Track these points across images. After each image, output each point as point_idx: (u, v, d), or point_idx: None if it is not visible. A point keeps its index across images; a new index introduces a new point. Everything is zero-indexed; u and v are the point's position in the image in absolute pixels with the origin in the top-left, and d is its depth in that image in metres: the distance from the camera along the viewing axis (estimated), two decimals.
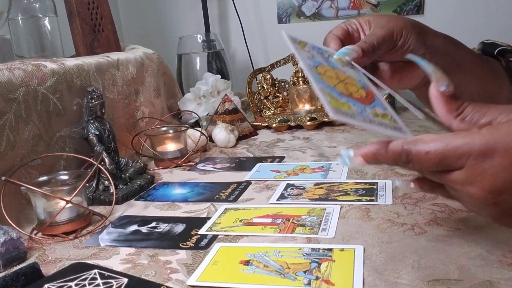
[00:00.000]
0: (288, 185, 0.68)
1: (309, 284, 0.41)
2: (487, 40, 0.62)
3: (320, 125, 1.04)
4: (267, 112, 1.17)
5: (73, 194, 0.57)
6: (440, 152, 0.32)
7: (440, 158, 0.32)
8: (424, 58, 0.50)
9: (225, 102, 1.01)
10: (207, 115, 1.07)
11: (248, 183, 0.71)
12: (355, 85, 0.41)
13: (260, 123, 1.08)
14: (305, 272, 0.43)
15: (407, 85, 0.53)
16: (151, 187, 0.74)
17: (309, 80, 0.38)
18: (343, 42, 0.49)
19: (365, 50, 0.45)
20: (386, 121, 0.37)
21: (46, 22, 0.86)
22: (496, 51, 0.59)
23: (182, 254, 0.50)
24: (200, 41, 1.26)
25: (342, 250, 0.46)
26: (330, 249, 0.47)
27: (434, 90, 0.35)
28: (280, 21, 1.40)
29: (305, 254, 0.46)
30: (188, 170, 0.82)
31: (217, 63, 1.25)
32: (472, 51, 0.57)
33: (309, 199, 0.62)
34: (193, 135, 0.91)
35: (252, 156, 0.87)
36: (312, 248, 0.47)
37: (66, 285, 0.44)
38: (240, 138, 0.99)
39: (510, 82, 0.58)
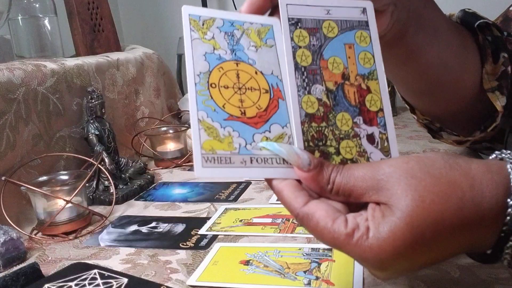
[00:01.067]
0: None
1: (309, 284, 0.41)
2: (469, 9, 0.57)
3: None
4: None
5: (73, 194, 0.57)
6: (332, 243, 0.30)
7: (332, 245, 0.30)
8: (384, 9, 0.41)
9: None
10: None
11: (248, 183, 0.71)
12: (257, 88, 0.34)
13: None
14: (305, 272, 0.43)
15: None
16: (151, 187, 0.74)
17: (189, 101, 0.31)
18: None
19: None
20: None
21: (46, 22, 0.86)
22: (477, 24, 0.53)
23: (182, 254, 0.50)
24: None
25: None
26: (330, 249, 0.46)
27: (300, 173, 0.31)
28: None
29: (305, 254, 0.46)
30: (188, 170, 0.82)
31: None
32: (448, 18, 0.52)
33: None
34: None
35: None
36: (312, 248, 0.47)
37: (66, 285, 0.44)
38: None
39: (481, 60, 0.53)
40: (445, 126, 0.61)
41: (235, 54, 0.35)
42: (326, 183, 0.31)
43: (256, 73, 0.35)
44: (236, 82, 0.33)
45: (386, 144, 0.36)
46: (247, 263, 0.46)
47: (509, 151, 0.31)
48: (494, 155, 0.32)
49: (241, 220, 0.57)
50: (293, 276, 0.42)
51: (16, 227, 0.56)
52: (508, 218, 0.28)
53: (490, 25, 0.54)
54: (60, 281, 0.45)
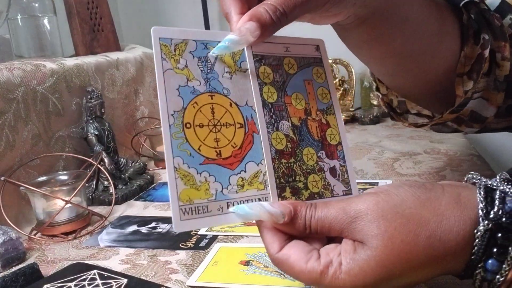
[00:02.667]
0: None
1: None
2: None
3: None
4: None
5: (73, 194, 0.57)
6: (309, 282, 0.32)
7: (309, 283, 0.32)
8: (341, 11, 0.38)
9: None
10: None
11: None
12: (232, 123, 0.34)
13: None
14: None
15: (321, 23, 0.41)
16: (150, 187, 0.74)
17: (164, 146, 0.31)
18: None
19: (267, 24, 0.33)
20: (252, 191, 0.33)
21: (46, 21, 0.86)
22: (463, 2, 0.48)
23: (181, 254, 0.50)
24: None
25: None
26: None
27: (277, 226, 0.33)
28: None
29: None
30: None
31: None
32: (428, 2, 0.47)
33: None
34: None
35: None
36: None
37: (65, 285, 0.44)
38: None
39: (463, 40, 0.49)
40: (413, 103, 0.58)
41: (209, 84, 0.34)
42: (303, 229, 0.33)
43: (230, 105, 0.34)
44: (211, 119, 0.33)
45: (346, 176, 0.38)
46: (247, 263, 0.45)
47: (480, 176, 0.33)
48: (468, 176, 0.34)
49: None
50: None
51: (15, 228, 0.56)
52: (476, 248, 0.30)
53: (477, 3, 0.49)
54: (60, 281, 0.45)
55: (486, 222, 0.30)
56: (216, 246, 0.50)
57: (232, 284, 0.42)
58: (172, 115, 0.32)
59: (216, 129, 0.33)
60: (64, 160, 0.71)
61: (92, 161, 0.68)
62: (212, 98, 0.34)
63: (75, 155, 0.70)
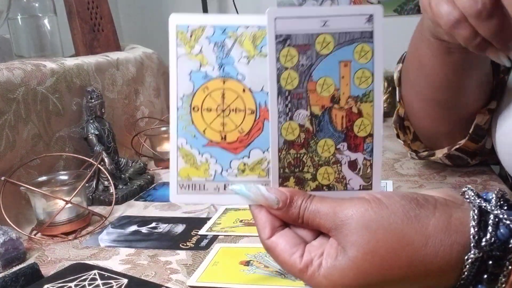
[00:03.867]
0: None
1: None
2: None
3: None
4: None
5: (73, 194, 0.57)
6: (291, 273, 0.33)
7: (291, 274, 0.33)
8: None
9: None
10: None
11: None
12: (242, 109, 0.34)
13: None
14: None
15: None
16: (151, 187, 0.74)
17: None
18: None
19: None
20: (252, 176, 0.34)
21: (46, 21, 0.86)
22: None
23: (182, 254, 0.50)
24: None
25: None
26: None
27: (273, 211, 0.33)
28: None
29: None
30: None
31: None
32: None
33: None
34: None
35: None
36: None
37: (65, 285, 0.44)
38: None
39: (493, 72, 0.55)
40: (438, 140, 0.63)
41: (223, 69, 0.34)
42: (296, 218, 0.33)
43: (244, 90, 0.34)
44: (220, 104, 0.34)
45: (369, 170, 0.35)
46: (247, 263, 0.45)
47: (475, 193, 0.31)
48: (464, 189, 0.33)
49: (241, 221, 0.56)
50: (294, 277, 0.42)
51: (16, 228, 0.56)
52: (466, 274, 0.29)
53: None
54: (60, 281, 0.45)
55: (477, 250, 0.29)
56: (216, 246, 0.50)
57: (233, 284, 0.42)
58: (181, 98, 0.33)
59: (224, 113, 0.34)
60: (64, 160, 0.71)
61: (92, 161, 0.68)
62: (224, 83, 0.34)
63: (75, 155, 0.70)
